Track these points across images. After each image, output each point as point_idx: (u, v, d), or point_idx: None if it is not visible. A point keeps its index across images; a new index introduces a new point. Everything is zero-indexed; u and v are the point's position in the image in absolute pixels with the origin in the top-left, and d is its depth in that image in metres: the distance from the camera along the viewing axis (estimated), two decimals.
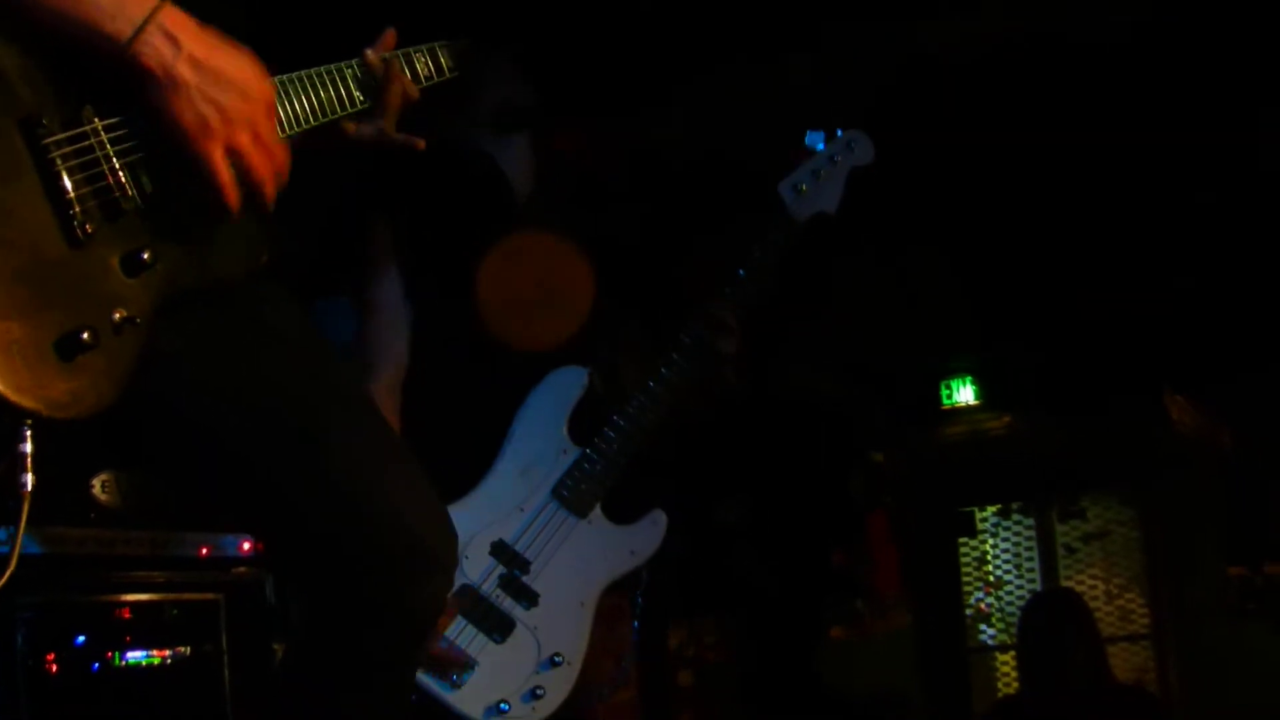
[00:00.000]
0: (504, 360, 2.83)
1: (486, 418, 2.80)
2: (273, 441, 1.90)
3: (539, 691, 2.63)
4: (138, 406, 1.73)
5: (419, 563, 1.98)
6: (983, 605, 6.32)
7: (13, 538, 1.59)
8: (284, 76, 1.93)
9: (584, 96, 3.07)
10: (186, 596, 3.40)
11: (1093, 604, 5.56)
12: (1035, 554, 6.23)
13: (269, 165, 1.78)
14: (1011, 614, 6.10)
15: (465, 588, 2.63)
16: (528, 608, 2.66)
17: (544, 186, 3.03)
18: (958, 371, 6.46)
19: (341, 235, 2.98)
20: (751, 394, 2.86)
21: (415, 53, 2.26)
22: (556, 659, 2.65)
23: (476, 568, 2.66)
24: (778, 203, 2.89)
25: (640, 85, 4.35)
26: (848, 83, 4.22)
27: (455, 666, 2.59)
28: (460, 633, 2.61)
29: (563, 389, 2.82)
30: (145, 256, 1.69)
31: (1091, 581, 6.06)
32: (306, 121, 1.97)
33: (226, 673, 3.42)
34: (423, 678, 2.57)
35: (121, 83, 1.68)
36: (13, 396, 1.53)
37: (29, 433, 1.57)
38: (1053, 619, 5.04)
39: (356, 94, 2.10)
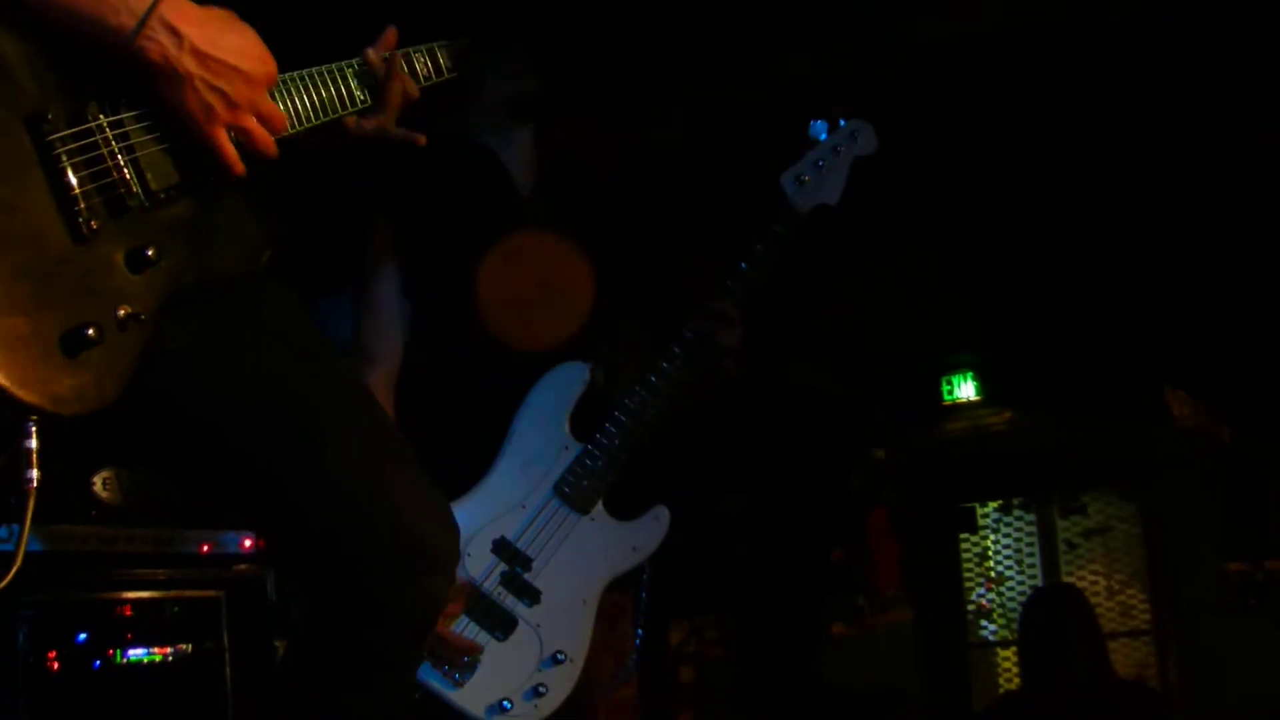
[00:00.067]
0: (504, 358, 2.83)
1: (488, 415, 2.80)
2: (274, 440, 1.91)
3: (541, 689, 2.63)
4: (141, 403, 1.73)
5: (419, 562, 1.98)
6: (984, 601, 6.31)
7: (16, 535, 1.59)
8: (286, 75, 1.94)
9: (585, 95, 3.07)
10: (188, 594, 3.41)
11: (1094, 600, 5.56)
12: (1036, 550, 6.22)
13: (269, 135, 1.85)
14: (1012, 609, 6.09)
15: (467, 586, 2.63)
16: (530, 605, 2.66)
17: (544, 185, 3.02)
18: (959, 367, 6.45)
19: (342, 234, 2.98)
20: (752, 388, 2.85)
21: (415, 53, 2.27)
22: (559, 656, 2.65)
23: (478, 565, 2.66)
24: (779, 195, 2.87)
25: (640, 85, 4.35)
26: (848, 81, 4.23)
27: (465, 652, 2.58)
28: (463, 630, 2.61)
29: (564, 385, 2.81)
30: (150, 253, 1.70)
31: (1092, 577, 6.05)
32: (308, 120, 1.98)
33: (228, 670, 3.42)
34: (425, 676, 2.56)
35: (127, 77, 1.69)
36: (18, 392, 1.53)
37: (33, 428, 1.58)
38: (1054, 614, 5.04)
39: (357, 93, 2.11)
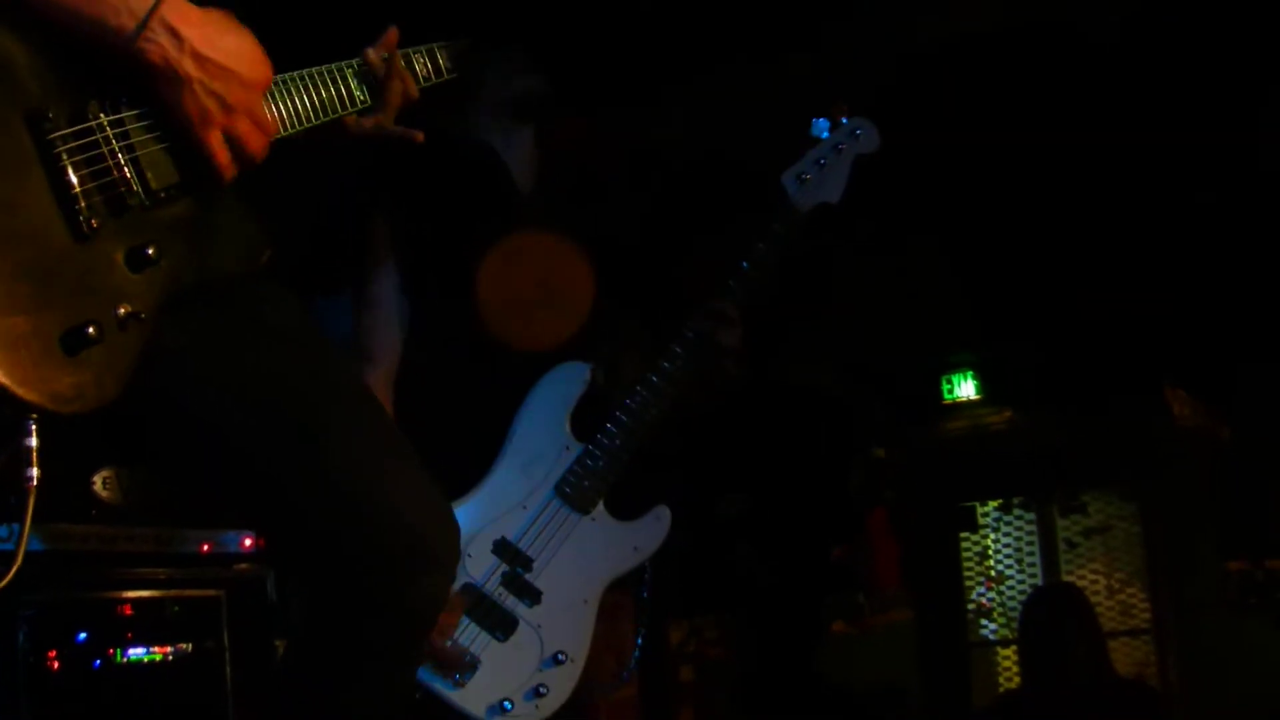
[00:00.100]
0: (505, 357, 2.82)
1: (488, 415, 2.79)
2: (273, 440, 1.91)
3: (542, 690, 2.62)
4: (141, 402, 1.73)
5: (419, 562, 1.98)
6: (984, 600, 6.31)
7: (16, 534, 1.59)
8: (286, 75, 1.94)
9: (585, 95, 3.07)
10: (188, 593, 3.40)
11: (1094, 599, 5.56)
12: (1036, 549, 6.21)
13: (263, 140, 1.85)
14: (1013, 609, 6.09)
15: (468, 586, 2.63)
16: (530, 606, 2.66)
17: (544, 185, 3.02)
18: (959, 366, 6.45)
19: (342, 233, 2.98)
20: (752, 387, 2.84)
21: (414, 53, 2.29)
22: (560, 657, 2.65)
23: (479, 566, 2.65)
24: (781, 193, 2.86)
25: (640, 84, 4.35)
26: (848, 81, 4.22)
27: (457, 666, 2.58)
28: (463, 631, 2.61)
29: (565, 385, 2.80)
30: (150, 252, 1.69)
31: (1093, 576, 6.05)
32: (308, 120, 1.98)
33: (228, 669, 3.42)
34: (425, 676, 2.56)
35: (130, 78, 1.69)
36: (18, 390, 1.53)
37: (33, 427, 1.57)
38: (1054, 614, 5.04)
39: (357, 93, 2.11)
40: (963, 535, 6.32)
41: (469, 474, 2.74)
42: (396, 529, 1.95)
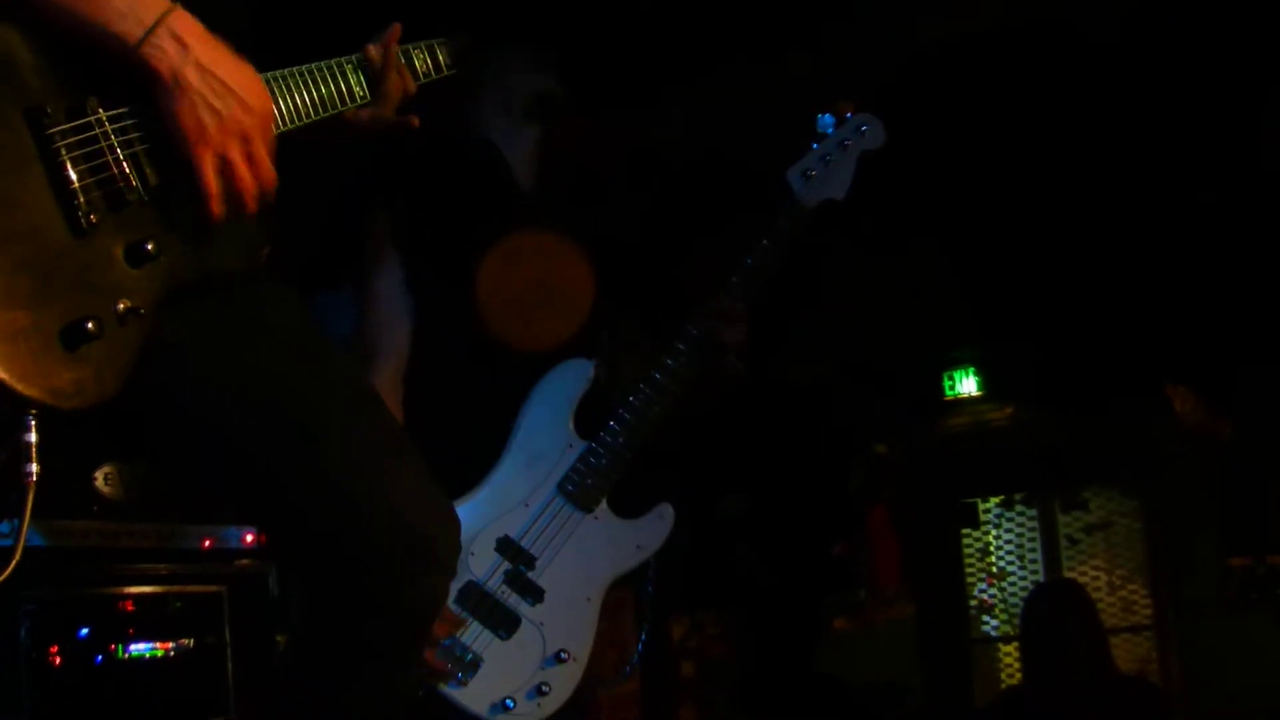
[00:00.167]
0: (507, 355, 2.82)
1: (491, 412, 2.79)
2: (273, 440, 1.91)
3: (544, 688, 2.62)
4: (140, 397, 1.73)
5: (419, 561, 1.99)
6: (985, 596, 6.32)
7: (16, 530, 1.59)
8: (286, 71, 1.94)
9: (586, 94, 3.07)
10: (190, 589, 3.40)
11: (1095, 595, 5.57)
12: (1038, 545, 6.22)
13: (254, 182, 1.79)
14: (1014, 605, 6.10)
15: (471, 584, 2.62)
16: (533, 604, 2.65)
17: (544, 184, 3.02)
18: (960, 363, 6.46)
19: (342, 229, 2.98)
20: (754, 385, 2.84)
21: (414, 49, 2.29)
22: (562, 655, 2.64)
23: (482, 564, 2.65)
24: (785, 190, 2.85)
25: (640, 84, 4.35)
26: (848, 80, 4.22)
27: (445, 676, 2.58)
28: (466, 629, 2.61)
29: (568, 382, 2.80)
30: (149, 247, 1.69)
31: (1094, 573, 6.06)
32: (307, 116, 1.98)
33: (229, 665, 3.42)
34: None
35: (129, 75, 1.69)
36: (18, 386, 1.53)
37: (33, 422, 1.58)
38: (1055, 610, 5.04)
39: (357, 88, 2.11)
40: (964, 532, 6.33)
41: (471, 471, 2.74)
42: (396, 529, 1.95)
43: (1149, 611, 5.90)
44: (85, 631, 3.15)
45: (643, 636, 2.93)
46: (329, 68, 2.06)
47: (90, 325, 1.60)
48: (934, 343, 6.46)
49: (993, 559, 6.34)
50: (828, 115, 2.92)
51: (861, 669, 6.68)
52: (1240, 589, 5.73)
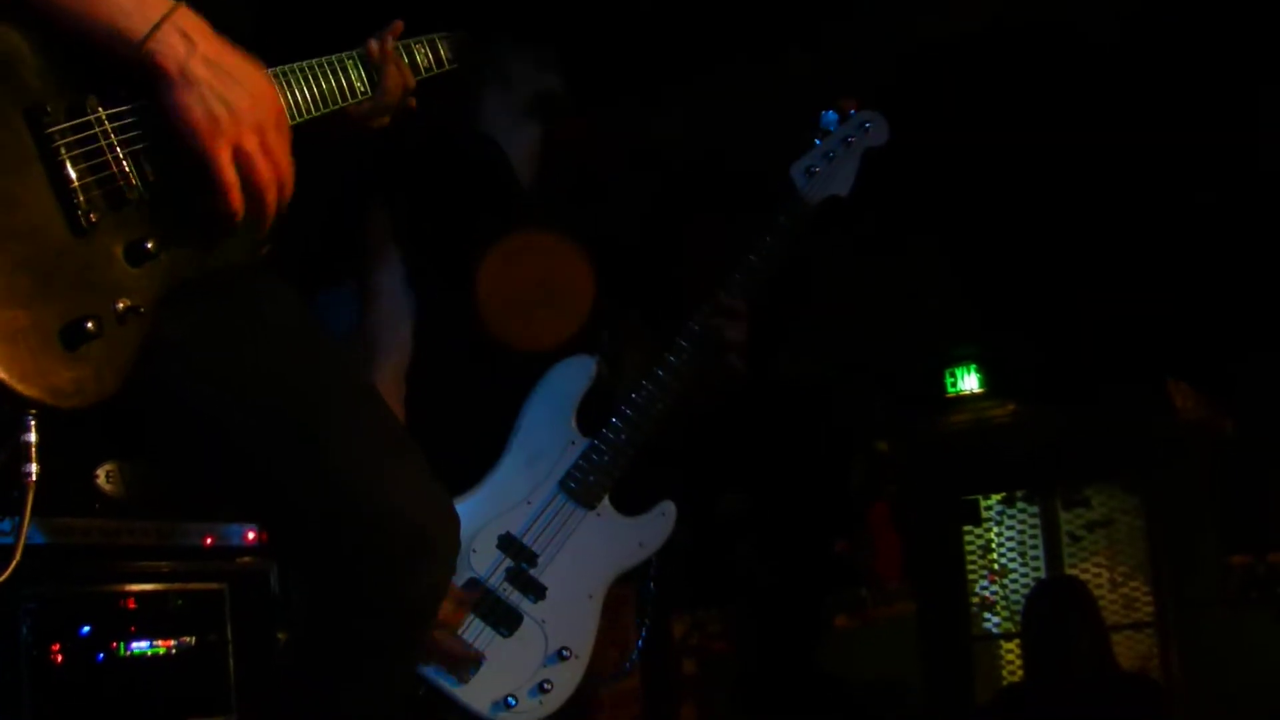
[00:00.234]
0: (508, 352, 2.82)
1: (492, 409, 2.78)
2: (273, 440, 1.91)
3: (546, 685, 2.62)
4: (140, 395, 1.73)
5: (419, 559, 1.99)
6: (987, 594, 6.32)
7: (17, 528, 1.59)
8: (286, 67, 1.94)
9: (586, 94, 3.07)
10: (191, 586, 3.40)
11: (1097, 592, 5.57)
12: (1040, 542, 6.23)
13: (273, 173, 1.77)
14: (1016, 602, 6.10)
15: (472, 581, 2.62)
16: (535, 601, 2.65)
17: (544, 182, 3.02)
18: (962, 360, 6.46)
19: (342, 225, 2.98)
20: (755, 383, 2.83)
21: (415, 44, 2.30)
22: (564, 653, 2.64)
23: (484, 561, 2.65)
24: (789, 186, 2.84)
25: (640, 84, 4.35)
26: (848, 80, 4.22)
27: (466, 662, 2.58)
28: (467, 627, 2.60)
29: (570, 379, 2.79)
30: (149, 246, 1.69)
31: (1096, 570, 6.06)
32: (308, 111, 1.98)
33: (231, 662, 3.42)
34: (429, 671, 2.56)
35: (130, 74, 1.68)
36: (17, 385, 1.53)
37: (32, 422, 1.58)
38: (1057, 607, 5.04)
39: (358, 84, 2.11)
40: (966, 529, 6.34)
41: (473, 469, 2.73)
42: (396, 526, 1.95)
43: (1150, 609, 5.90)
44: (87, 629, 3.15)
45: (643, 634, 2.93)
46: (329, 63, 2.06)
47: (90, 324, 1.60)
48: (935, 340, 6.46)
49: (994, 556, 6.34)
50: (831, 112, 2.91)
51: (862, 666, 6.69)
52: (1241, 587, 5.74)
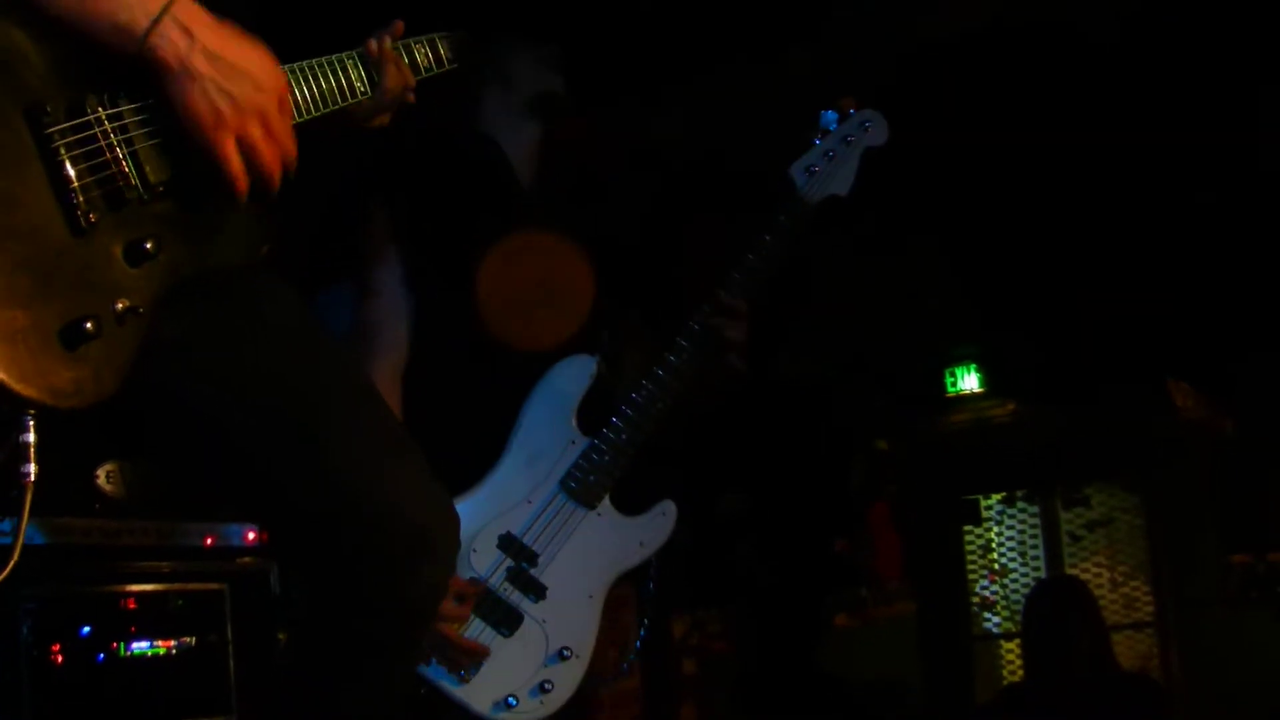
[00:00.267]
0: (508, 352, 2.82)
1: (492, 409, 2.78)
2: (272, 437, 1.91)
3: (547, 685, 2.62)
4: (140, 395, 1.73)
5: (419, 557, 1.99)
6: (987, 593, 6.32)
7: (16, 528, 1.59)
8: (286, 66, 1.94)
9: (586, 93, 3.07)
10: (191, 586, 3.40)
11: (1097, 591, 5.56)
12: (1040, 541, 6.23)
13: (277, 154, 1.80)
14: (1016, 602, 6.10)
15: (472, 581, 2.62)
16: (535, 601, 2.65)
17: (544, 182, 3.02)
18: (962, 359, 6.46)
19: (342, 225, 2.98)
20: (755, 382, 2.83)
21: (415, 43, 2.30)
22: (565, 653, 2.64)
23: (484, 561, 2.65)
24: (789, 185, 2.84)
25: (640, 83, 4.35)
26: (848, 79, 4.22)
27: (474, 656, 2.58)
28: (468, 627, 2.60)
29: (570, 379, 2.80)
30: (148, 246, 1.69)
31: (1096, 569, 6.06)
32: (308, 111, 1.98)
33: (231, 663, 3.42)
34: (430, 671, 2.56)
35: (129, 72, 1.69)
36: (16, 385, 1.53)
37: (31, 422, 1.58)
38: (1057, 606, 5.04)
39: (358, 84, 2.11)
40: (966, 528, 6.33)
41: (473, 469, 2.73)
42: (396, 525, 1.95)
43: (1150, 608, 5.90)
44: (87, 630, 3.15)
45: (642, 633, 2.93)
46: (329, 63, 2.06)
47: (89, 324, 1.60)
48: (935, 340, 6.46)
49: (994, 555, 6.34)
50: (831, 111, 2.91)
51: (863, 666, 6.69)
52: (1241, 586, 5.73)
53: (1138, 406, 5.78)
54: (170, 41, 1.67)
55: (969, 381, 6.46)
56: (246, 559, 3.53)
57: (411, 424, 2.57)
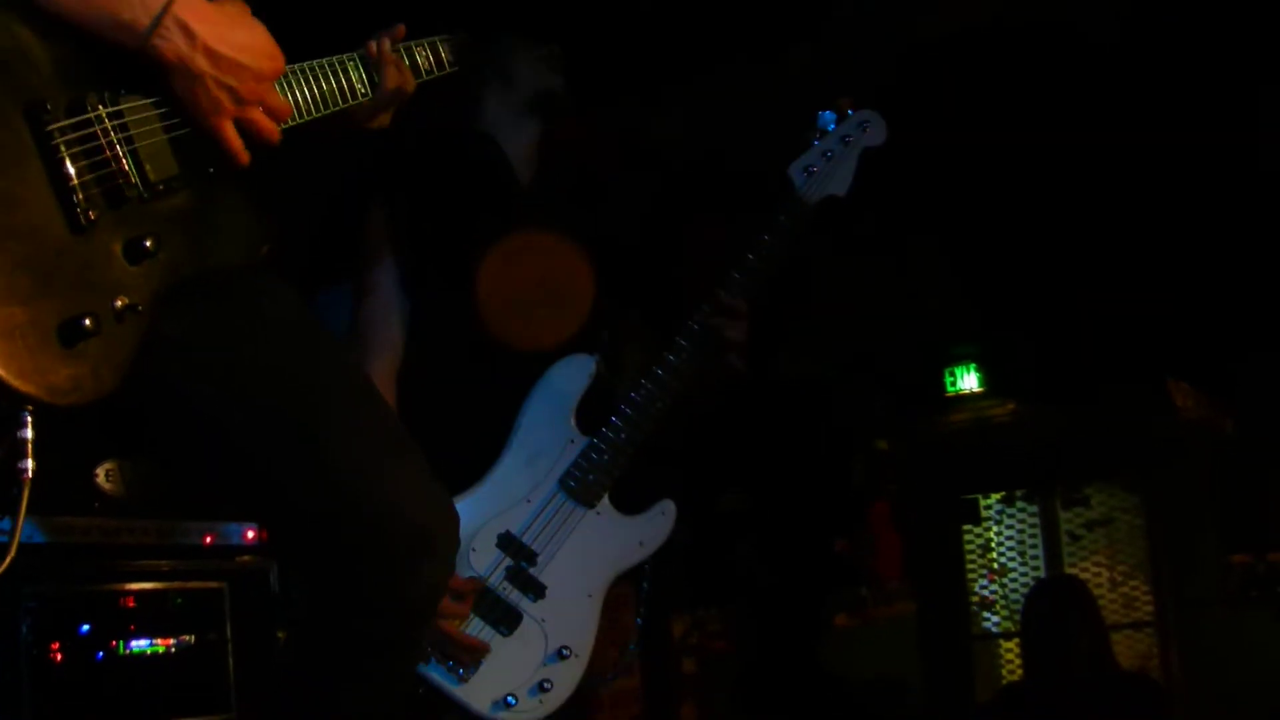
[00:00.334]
0: (507, 351, 2.82)
1: (492, 408, 2.78)
2: (272, 435, 1.91)
3: (546, 685, 2.62)
4: (140, 393, 1.73)
5: (419, 556, 1.99)
6: (987, 593, 6.32)
7: (12, 526, 1.59)
8: (287, 67, 1.94)
9: (586, 93, 3.07)
10: (191, 585, 3.40)
11: (1097, 591, 5.57)
12: (1039, 541, 6.23)
13: (274, 125, 1.89)
14: (1015, 601, 6.10)
15: (472, 580, 2.62)
16: (535, 600, 2.65)
17: (544, 181, 3.02)
18: (962, 359, 6.47)
19: (342, 225, 2.98)
20: (755, 382, 2.83)
21: (416, 46, 2.31)
22: (564, 652, 2.64)
23: (483, 560, 2.65)
24: (787, 186, 2.84)
25: (640, 83, 4.36)
26: (848, 79, 4.22)
27: (474, 653, 2.58)
28: (467, 626, 2.60)
29: (569, 378, 2.79)
30: (148, 244, 1.70)
31: (1095, 569, 6.06)
32: (309, 112, 1.99)
33: (231, 661, 3.42)
34: (429, 670, 2.56)
35: (130, 71, 1.70)
36: (14, 382, 1.53)
37: (29, 419, 1.58)
38: (1057, 606, 5.04)
39: (359, 85, 2.12)
40: (965, 528, 6.34)
41: (473, 468, 2.73)
42: (395, 523, 1.95)
43: (1150, 608, 5.90)
44: (86, 628, 3.15)
45: (640, 629, 2.93)
46: (330, 64, 2.07)
47: (88, 322, 1.60)
48: (935, 340, 6.46)
49: (994, 555, 6.34)
50: (829, 111, 2.91)
51: (862, 665, 6.70)
52: (1240, 586, 5.74)
53: (1138, 406, 5.78)
54: (171, 42, 1.71)
55: (969, 381, 6.46)
56: (246, 558, 3.54)
57: (411, 424, 2.57)
